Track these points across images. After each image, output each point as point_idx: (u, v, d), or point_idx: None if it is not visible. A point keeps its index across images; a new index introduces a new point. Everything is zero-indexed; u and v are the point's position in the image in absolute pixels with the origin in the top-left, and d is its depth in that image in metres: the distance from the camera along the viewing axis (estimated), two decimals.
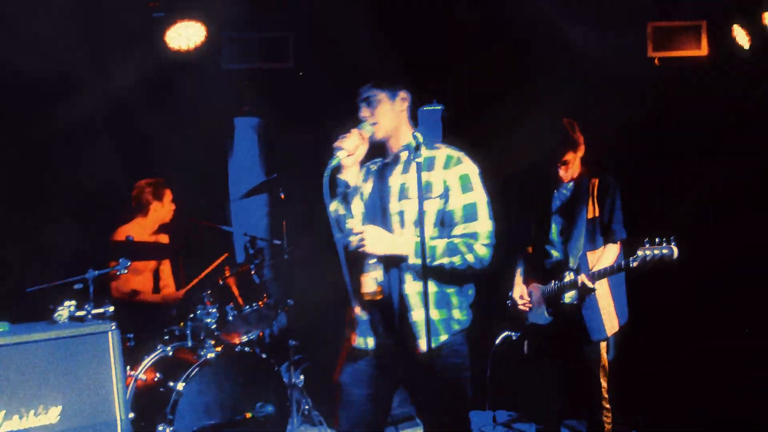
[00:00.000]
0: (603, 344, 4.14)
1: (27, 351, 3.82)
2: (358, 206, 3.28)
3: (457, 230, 3.16)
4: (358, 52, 5.26)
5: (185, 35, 5.12)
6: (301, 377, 5.34)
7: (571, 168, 4.24)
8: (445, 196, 3.15)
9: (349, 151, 3.10)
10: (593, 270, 4.04)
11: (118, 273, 4.56)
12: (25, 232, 5.09)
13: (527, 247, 4.43)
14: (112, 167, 5.51)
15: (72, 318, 4.09)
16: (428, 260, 3.08)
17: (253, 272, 5.04)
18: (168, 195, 5.46)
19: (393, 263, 3.17)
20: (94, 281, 4.45)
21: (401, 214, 3.17)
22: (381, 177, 3.29)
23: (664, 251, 3.68)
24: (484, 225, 3.16)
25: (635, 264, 3.77)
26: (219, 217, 6.49)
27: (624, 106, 5.15)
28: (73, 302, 4.08)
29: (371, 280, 3.12)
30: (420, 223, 3.03)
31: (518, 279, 4.43)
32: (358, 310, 3.23)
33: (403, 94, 3.24)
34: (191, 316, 4.83)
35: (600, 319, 4.10)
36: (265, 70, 5.80)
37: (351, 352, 3.29)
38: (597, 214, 4.16)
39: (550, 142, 4.24)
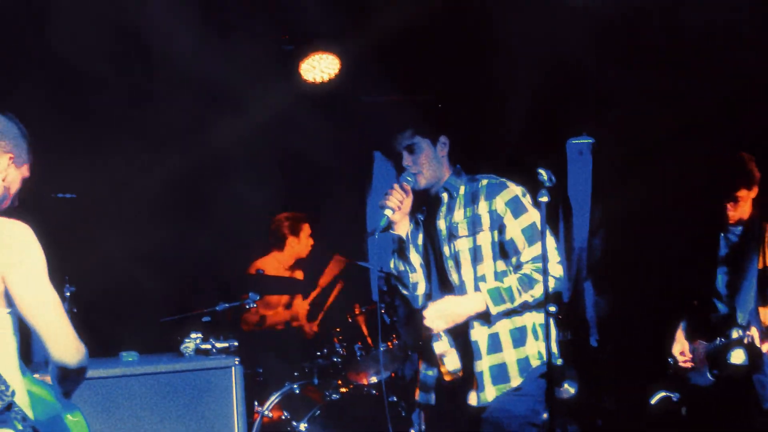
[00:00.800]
0: None
1: (152, 382, 3.86)
2: (415, 259, 3.22)
3: (525, 256, 2.99)
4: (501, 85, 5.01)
5: (320, 68, 5.09)
6: None
7: (741, 207, 3.73)
8: (496, 226, 3.03)
9: (395, 208, 3.06)
10: (766, 327, 3.50)
11: (247, 306, 4.52)
12: (160, 263, 5.18)
13: (692, 299, 3.95)
14: (251, 201, 5.53)
15: (197, 351, 4.09)
16: (509, 303, 2.95)
17: (383, 311, 4.83)
18: (305, 230, 5.41)
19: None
20: (226, 314, 4.44)
21: (456, 255, 3.09)
22: (429, 223, 3.20)
23: None
24: (549, 242, 2.95)
25: None
26: (357, 252, 6.37)
27: None
28: (200, 335, 4.09)
29: (452, 359, 3.01)
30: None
31: (679, 334, 3.97)
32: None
33: (443, 139, 3.17)
34: (319, 353, 4.70)
35: None
36: (404, 102, 5.66)
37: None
38: None
39: (720, 176, 3.76)
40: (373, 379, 4.92)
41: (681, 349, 3.91)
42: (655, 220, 4.92)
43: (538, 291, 2.94)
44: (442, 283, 3.14)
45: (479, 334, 3.01)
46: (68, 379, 2.38)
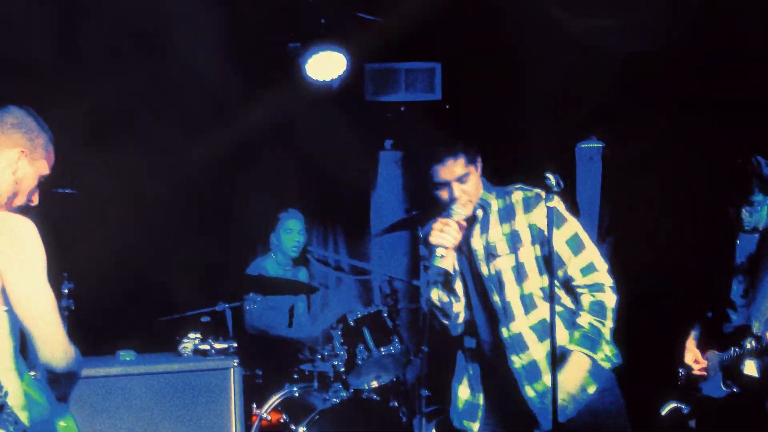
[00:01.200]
0: None
1: (149, 382, 3.85)
2: (459, 288, 3.01)
3: (572, 268, 2.89)
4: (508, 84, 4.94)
5: (326, 66, 5.00)
6: (433, 431, 4.95)
7: (757, 213, 3.64)
8: (538, 240, 2.90)
9: (451, 246, 2.84)
10: None
11: (248, 308, 4.45)
12: (160, 261, 5.11)
13: (705, 307, 3.86)
14: (252, 200, 5.46)
15: (196, 351, 4.03)
16: (601, 338, 2.84)
17: (385, 314, 4.74)
18: (286, 226, 5.24)
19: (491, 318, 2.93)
20: (224, 314, 4.37)
21: (498, 275, 2.93)
22: (461, 243, 2.97)
23: None
24: (593, 250, 2.92)
25: None
26: (359, 253, 6.30)
27: None
28: (198, 335, 4.04)
29: None
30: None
31: (691, 343, 3.88)
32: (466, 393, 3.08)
33: (479, 158, 2.99)
34: (319, 356, 4.61)
35: None
36: (410, 103, 5.60)
37: None
38: None
39: (735, 180, 3.67)
40: (374, 384, 4.84)
41: (694, 357, 3.83)
42: (666, 226, 4.84)
43: (609, 312, 2.85)
44: (484, 306, 2.98)
45: (537, 353, 2.89)
46: (58, 383, 2.33)
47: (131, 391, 3.73)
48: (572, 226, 2.91)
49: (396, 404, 4.58)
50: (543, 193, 2.89)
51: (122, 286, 4.87)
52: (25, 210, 2.43)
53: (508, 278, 2.89)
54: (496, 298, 2.92)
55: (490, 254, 2.92)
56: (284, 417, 4.42)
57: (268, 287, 4.84)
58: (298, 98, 5.32)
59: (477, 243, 2.95)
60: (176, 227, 5.16)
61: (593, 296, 2.85)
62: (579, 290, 2.90)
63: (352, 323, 4.68)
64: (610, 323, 2.84)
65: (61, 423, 2.35)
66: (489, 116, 5.27)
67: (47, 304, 2.23)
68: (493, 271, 2.91)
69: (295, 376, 4.73)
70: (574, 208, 5.68)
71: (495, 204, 2.94)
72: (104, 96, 4.82)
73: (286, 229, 5.20)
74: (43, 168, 2.46)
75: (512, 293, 2.89)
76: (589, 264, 2.87)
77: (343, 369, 4.56)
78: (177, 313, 4.41)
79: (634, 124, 5.11)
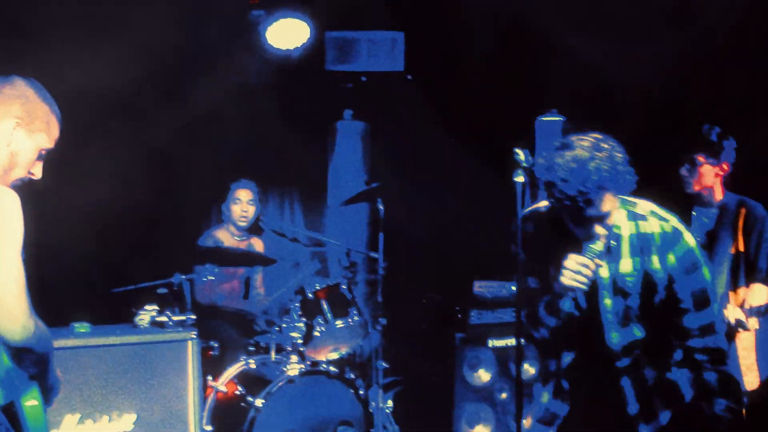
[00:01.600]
0: None
1: (105, 354, 3.80)
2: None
3: (692, 321, 2.64)
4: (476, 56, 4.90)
5: (287, 34, 4.90)
6: (390, 402, 4.99)
7: (702, 177, 3.70)
8: (666, 281, 2.64)
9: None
10: (748, 308, 3.49)
11: (204, 279, 4.38)
12: (114, 231, 4.98)
13: None
14: (210, 169, 5.34)
15: (153, 323, 3.97)
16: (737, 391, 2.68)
17: (344, 286, 4.73)
18: (233, 195, 5.17)
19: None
20: (180, 286, 4.29)
21: (625, 310, 2.65)
22: None
23: None
24: (715, 309, 2.66)
25: None
26: (316, 225, 6.26)
27: None
28: (155, 307, 3.97)
29: None
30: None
31: None
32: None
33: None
34: (276, 328, 4.59)
35: (738, 370, 3.57)
36: (372, 73, 5.53)
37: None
38: (742, 249, 3.64)
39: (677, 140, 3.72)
40: (332, 355, 4.84)
41: None
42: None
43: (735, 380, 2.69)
44: (597, 336, 2.70)
45: (680, 377, 2.71)
46: (20, 360, 2.25)
47: (87, 363, 3.65)
48: (703, 278, 2.64)
49: (353, 376, 4.59)
50: (681, 227, 2.66)
51: (76, 256, 4.73)
52: (27, 183, 2.38)
53: (635, 316, 2.68)
54: (614, 335, 2.69)
55: (620, 290, 2.67)
56: (240, 389, 4.39)
57: (223, 258, 4.78)
58: (257, 66, 5.21)
59: (604, 272, 2.67)
60: (130, 197, 5.01)
61: (717, 371, 2.64)
62: (697, 355, 2.65)
63: (310, 295, 4.67)
64: (743, 401, 2.70)
65: (28, 402, 2.28)
66: (452, 88, 5.25)
67: (13, 277, 2.17)
68: (619, 306, 2.68)
69: (251, 348, 4.70)
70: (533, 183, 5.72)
71: (625, 229, 2.65)
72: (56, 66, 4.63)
73: (233, 199, 5.12)
74: (43, 141, 2.38)
75: (638, 331, 2.70)
76: (710, 323, 2.63)
77: (300, 341, 4.55)
78: (132, 284, 4.31)
79: (597, 101, 5.15)
